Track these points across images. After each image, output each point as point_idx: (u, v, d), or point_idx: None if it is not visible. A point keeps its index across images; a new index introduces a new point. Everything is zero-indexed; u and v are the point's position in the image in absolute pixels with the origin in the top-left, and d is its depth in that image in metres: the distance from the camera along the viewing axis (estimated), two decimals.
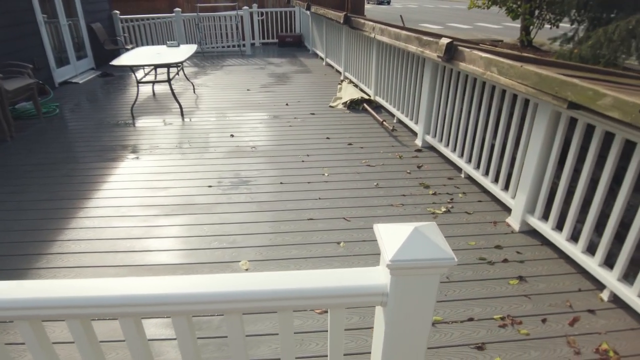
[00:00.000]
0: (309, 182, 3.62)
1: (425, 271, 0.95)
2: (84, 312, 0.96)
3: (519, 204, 2.96)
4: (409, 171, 3.80)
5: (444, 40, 3.22)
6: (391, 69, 5.03)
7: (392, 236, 0.97)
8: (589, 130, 2.48)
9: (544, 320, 2.19)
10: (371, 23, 5.02)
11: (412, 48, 3.87)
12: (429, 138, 4.25)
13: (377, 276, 1.01)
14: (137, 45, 9.45)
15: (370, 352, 1.97)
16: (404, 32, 4.09)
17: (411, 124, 4.64)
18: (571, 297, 2.36)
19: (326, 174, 3.76)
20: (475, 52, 2.99)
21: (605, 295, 2.37)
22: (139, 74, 6.64)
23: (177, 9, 10.08)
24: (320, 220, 3.06)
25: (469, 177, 3.63)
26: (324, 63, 8.65)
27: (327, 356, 1.95)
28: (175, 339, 2.05)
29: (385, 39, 4.54)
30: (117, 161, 4.18)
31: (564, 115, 2.59)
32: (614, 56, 5.16)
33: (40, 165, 4.12)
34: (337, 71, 7.74)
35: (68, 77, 7.74)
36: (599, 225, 2.48)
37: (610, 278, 2.32)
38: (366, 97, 5.72)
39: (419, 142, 4.39)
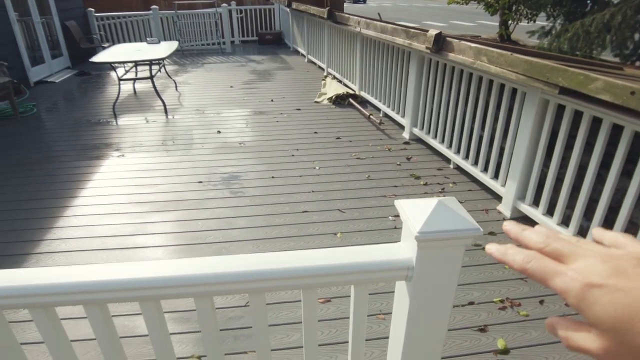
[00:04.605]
0: (300, 176, 3.60)
1: (451, 242, 0.96)
2: (47, 300, 0.90)
3: (510, 192, 3.02)
4: (398, 163, 3.83)
5: (433, 32, 3.25)
6: (376, 64, 5.06)
7: (416, 209, 0.97)
8: (576, 117, 2.54)
9: (541, 302, 2.24)
10: (356, 17, 5.04)
11: (399, 41, 3.90)
12: (416, 130, 4.29)
13: (400, 251, 1.01)
14: (113, 44, 9.23)
15: (381, 338, 1.98)
16: (390, 25, 4.12)
17: (398, 117, 4.67)
18: None
19: (317, 168, 3.75)
20: (464, 42, 3.03)
21: None
22: (119, 71, 6.48)
23: (154, 6, 9.89)
24: (314, 212, 3.05)
25: (458, 167, 3.68)
26: (305, 60, 8.63)
27: (335, 344, 1.95)
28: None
29: (371, 32, 4.56)
30: (101, 159, 4.08)
31: (552, 103, 2.65)
32: (590, 49, 5.32)
33: (20, 166, 3.98)
34: (320, 67, 7.74)
35: (43, 76, 7.51)
36: (587, 210, 2.55)
37: None
38: (351, 92, 5.73)
39: (406, 134, 4.43)
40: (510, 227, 0.39)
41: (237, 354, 1.91)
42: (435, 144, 3.97)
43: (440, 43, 3.23)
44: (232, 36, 10.96)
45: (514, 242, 0.38)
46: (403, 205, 1.00)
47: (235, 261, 0.97)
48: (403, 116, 4.55)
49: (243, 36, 11.33)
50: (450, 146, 3.77)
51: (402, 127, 4.61)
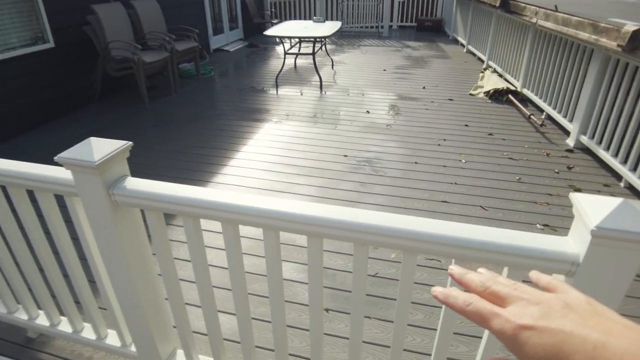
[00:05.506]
0: (444, 166, 3.52)
1: (631, 245, 0.87)
2: (235, 217, 1.07)
3: None
4: (557, 170, 3.48)
5: (630, 27, 2.83)
6: (547, 60, 4.60)
7: (595, 204, 0.91)
8: None
9: None
10: (533, 7, 4.63)
11: (583, 36, 3.49)
12: (584, 139, 3.82)
13: (566, 244, 0.96)
14: (281, 21, 9.99)
15: None
16: (574, 17, 3.70)
17: (564, 122, 4.21)
18: None
19: (463, 161, 3.62)
20: None
21: None
22: (286, 45, 7.03)
23: None
24: (455, 204, 2.97)
25: (631, 187, 3.20)
26: (464, 50, 8.24)
27: (459, 335, 1.92)
28: None
29: (549, 24, 4.15)
30: (261, 122, 4.53)
31: None
32: None
33: (197, 118, 4.63)
34: (479, 59, 7.32)
35: (221, 44, 8.52)
36: None
37: None
38: (512, 87, 5.33)
39: (571, 141, 3.98)
40: (455, 270, 0.42)
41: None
42: (606, 156, 3.50)
43: (639, 41, 2.80)
44: (391, 20, 10.97)
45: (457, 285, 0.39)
46: (579, 198, 0.94)
47: (394, 218, 1.02)
48: (570, 121, 4.09)
49: (401, 21, 11.25)
50: (625, 162, 3.28)
51: (566, 132, 4.15)
